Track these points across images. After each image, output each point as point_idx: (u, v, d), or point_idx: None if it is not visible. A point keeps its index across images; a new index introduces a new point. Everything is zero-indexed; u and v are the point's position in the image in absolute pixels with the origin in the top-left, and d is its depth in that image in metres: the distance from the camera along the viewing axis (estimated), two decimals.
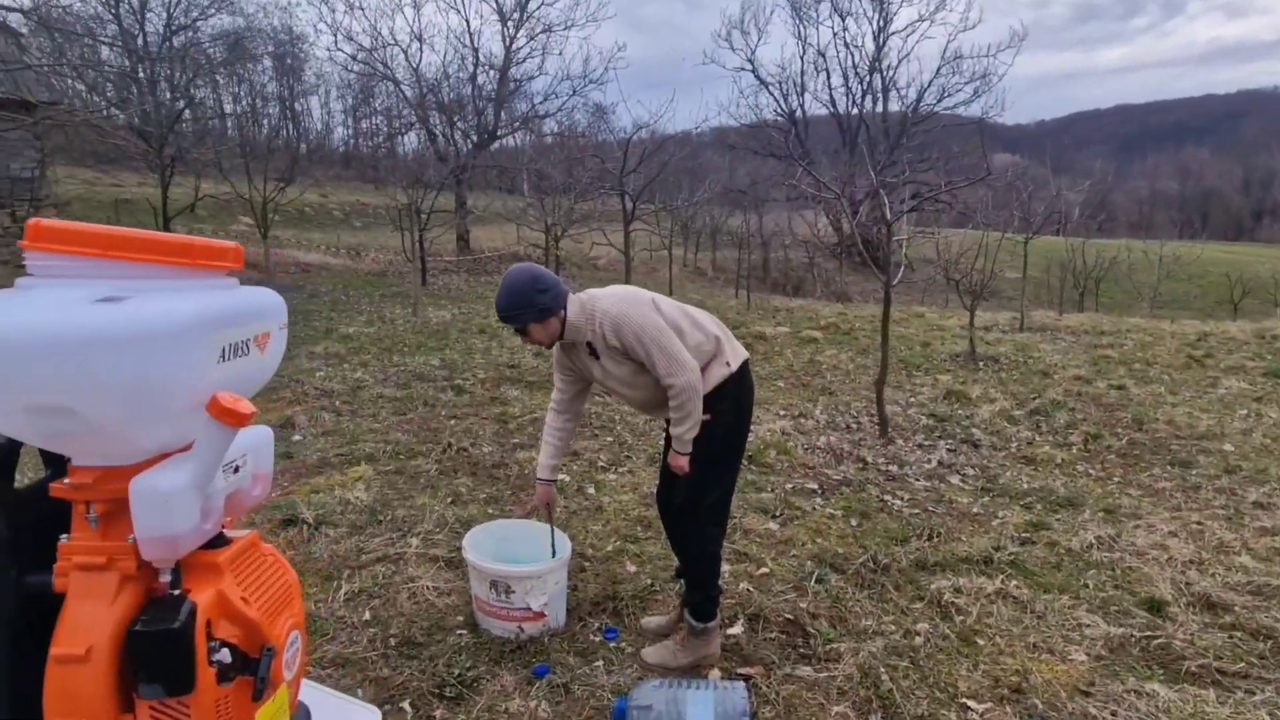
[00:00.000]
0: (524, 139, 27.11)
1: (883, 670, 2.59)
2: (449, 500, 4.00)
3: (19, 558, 1.02)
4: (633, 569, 3.29)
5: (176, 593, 1.05)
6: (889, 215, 4.92)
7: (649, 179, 10.89)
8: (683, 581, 2.76)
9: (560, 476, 4.36)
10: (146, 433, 1.03)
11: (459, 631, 2.77)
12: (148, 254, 1.02)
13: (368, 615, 2.86)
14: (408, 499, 4.01)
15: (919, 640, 2.80)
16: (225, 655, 1.05)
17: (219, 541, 1.14)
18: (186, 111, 15.81)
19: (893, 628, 2.89)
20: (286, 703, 1.16)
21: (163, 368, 0.94)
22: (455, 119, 22.53)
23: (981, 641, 2.82)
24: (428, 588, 3.05)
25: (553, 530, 2.89)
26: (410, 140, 35.15)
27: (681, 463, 2.48)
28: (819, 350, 9.16)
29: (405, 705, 2.37)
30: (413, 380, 6.64)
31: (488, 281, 16.65)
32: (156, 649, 1.00)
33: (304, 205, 25.15)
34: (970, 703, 2.46)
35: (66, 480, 1.04)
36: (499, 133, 23.69)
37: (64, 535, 1.04)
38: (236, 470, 1.15)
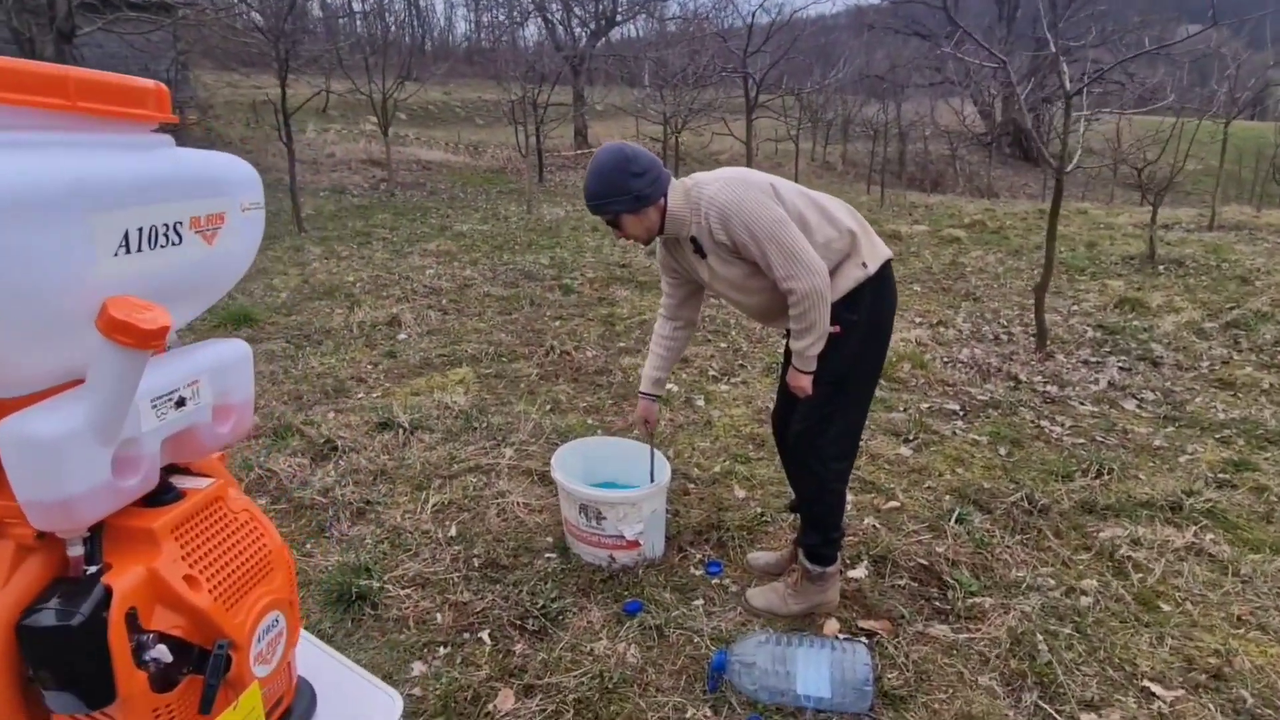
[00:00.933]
0: (645, 26, 25.77)
1: (1040, 637, 2.15)
2: (547, 408, 3.77)
3: None
4: (741, 494, 2.95)
5: (91, 570, 0.77)
6: (1068, 86, 4.05)
7: (774, 60, 9.91)
8: (798, 517, 2.38)
9: (668, 389, 4.03)
10: (16, 355, 0.72)
11: (547, 555, 2.55)
12: (18, 93, 0.68)
13: (454, 531, 2.68)
14: (505, 405, 3.81)
15: (1086, 601, 2.32)
16: (163, 653, 0.76)
17: (165, 497, 0.85)
18: (313, 8, 15.84)
19: (1051, 583, 2.41)
20: (259, 707, 0.88)
21: (17, 260, 0.62)
22: (573, 6, 21.59)
23: (1167, 608, 2.31)
24: (518, 504, 2.84)
25: (652, 451, 2.57)
26: (529, 32, 34.36)
27: (803, 383, 2.05)
28: (962, 251, 8.22)
29: (484, 636, 2.17)
30: (520, 279, 6.43)
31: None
32: (53, 649, 0.72)
33: (428, 103, 25.28)
34: (1154, 687, 1.99)
35: None
36: (617, 19, 22.57)
37: None
38: (181, 404, 0.84)
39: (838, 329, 1.98)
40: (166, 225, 0.78)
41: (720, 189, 1.95)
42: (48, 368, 0.75)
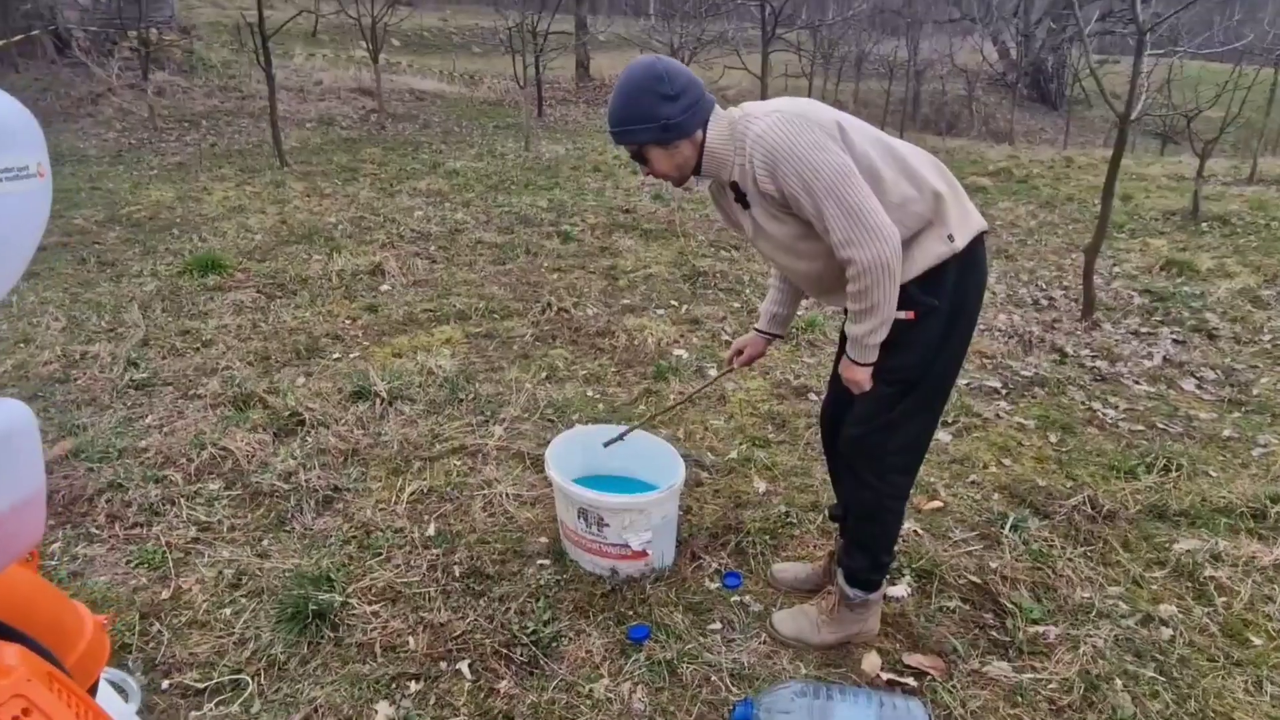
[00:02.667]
0: None
1: (1118, 680, 1.83)
2: (543, 375, 3.39)
3: None
4: (762, 487, 2.59)
5: None
6: (1141, 20, 3.53)
7: None
8: (838, 528, 2.03)
9: (677, 355, 3.64)
10: None
11: (540, 561, 2.20)
12: None
13: (432, 529, 2.33)
14: (496, 371, 3.43)
15: (1166, 633, 2.00)
16: None
17: None
18: None
19: (1124, 608, 2.08)
20: None
21: None
22: None
23: (1258, 641, 1.98)
24: (507, 495, 2.49)
25: (626, 431, 2.20)
26: None
27: (858, 376, 1.66)
28: (989, 202, 7.73)
29: (464, 668, 1.84)
30: (516, 224, 5.97)
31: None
32: None
33: (423, 29, 24.13)
34: None
35: None
36: None
37: None
38: None
39: (910, 314, 1.59)
40: None
41: (771, 125, 1.51)
42: None
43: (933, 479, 2.65)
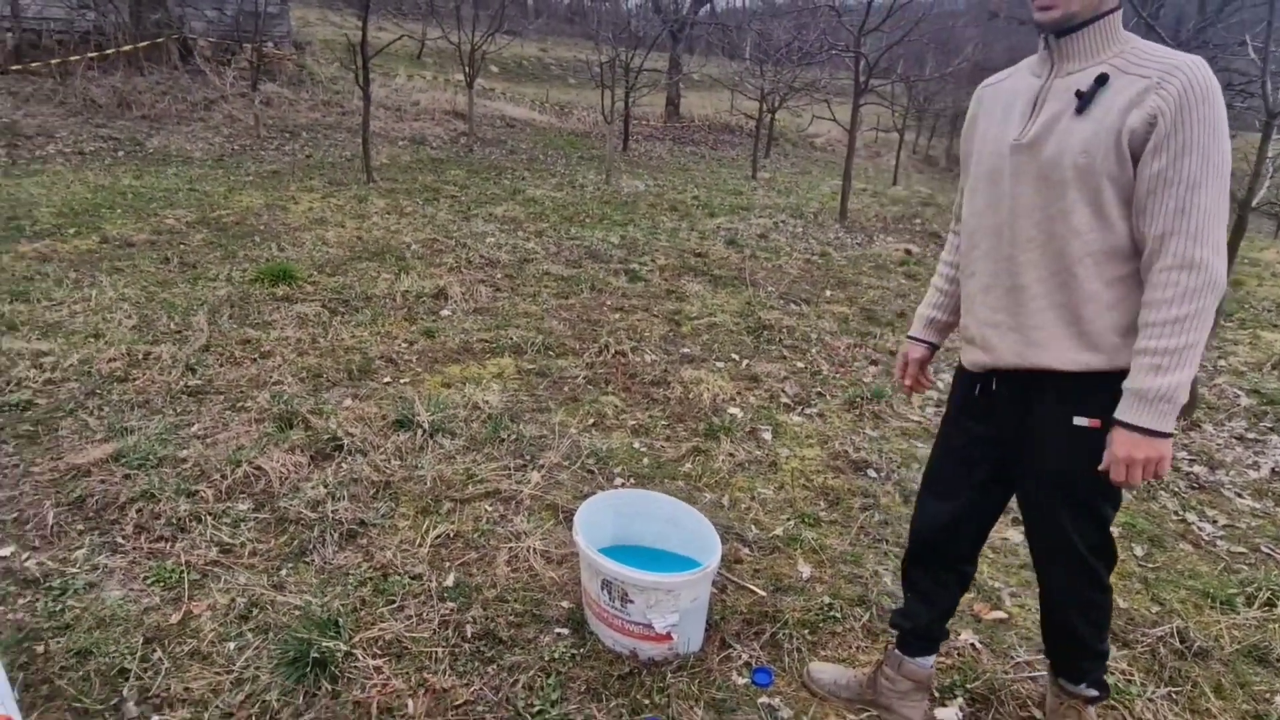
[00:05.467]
0: None
1: None
2: (590, 422, 3.27)
3: None
4: (806, 572, 2.39)
5: None
6: (1271, 102, 3.24)
7: (891, 43, 9.04)
8: (900, 639, 1.83)
9: (731, 414, 3.48)
10: None
11: (558, 630, 2.06)
12: None
13: (451, 580, 2.22)
14: (543, 411, 3.33)
15: None
16: None
17: None
18: None
19: None
20: None
21: None
22: None
23: None
24: (534, 550, 2.36)
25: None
26: None
27: (1160, 451, 1.30)
28: None
29: None
30: (585, 258, 5.93)
31: (692, 152, 15.50)
32: None
33: (522, 58, 24.92)
34: None
35: None
36: None
37: None
38: None
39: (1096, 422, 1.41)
40: None
41: (1208, 73, 1.29)
42: None
43: (997, 584, 2.41)
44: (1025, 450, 1.53)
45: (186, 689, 1.80)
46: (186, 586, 2.13)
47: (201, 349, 3.67)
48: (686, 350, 4.22)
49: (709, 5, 21.28)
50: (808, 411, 3.57)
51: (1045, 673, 2.06)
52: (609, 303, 4.92)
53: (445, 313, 4.49)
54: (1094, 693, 1.73)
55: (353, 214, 6.70)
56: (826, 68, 15.34)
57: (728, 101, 21.05)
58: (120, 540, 2.30)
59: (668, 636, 1.93)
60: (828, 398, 3.73)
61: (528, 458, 2.92)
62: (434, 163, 10.31)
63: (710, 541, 2.01)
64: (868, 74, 8.28)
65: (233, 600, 2.10)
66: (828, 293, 5.67)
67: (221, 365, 3.55)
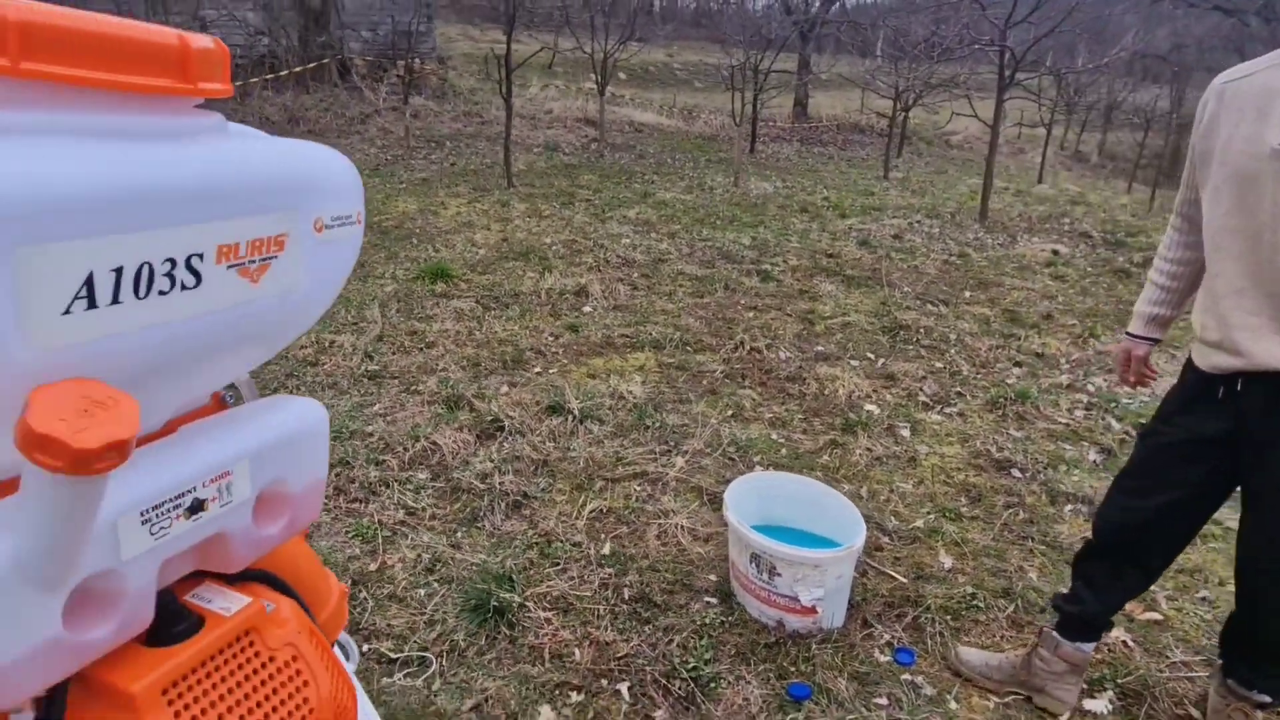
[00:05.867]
0: None
1: None
2: (729, 413, 3.41)
3: None
4: (948, 563, 2.43)
5: None
6: None
7: (1040, 34, 8.63)
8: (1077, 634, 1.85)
9: (867, 410, 3.52)
10: None
11: (707, 598, 2.21)
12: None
13: (608, 549, 2.42)
14: (683, 402, 3.50)
15: None
16: None
17: (173, 630, 0.59)
18: None
19: None
20: None
21: None
22: None
23: None
24: (681, 528, 2.53)
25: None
26: None
27: None
28: None
29: (623, 689, 1.89)
30: (718, 259, 6.07)
31: (821, 153, 15.31)
32: None
33: (649, 64, 25.35)
34: None
35: None
36: None
37: None
38: (196, 509, 0.57)
39: None
40: (171, 261, 0.50)
41: None
42: None
43: (1154, 587, 2.35)
44: (1268, 455, 1.50)
45: (388, 625, 2.08)
46: (381, 541, 2.44)
47: (376, 339, 4.08)
48: (821, 348, 4.27)
49: (840, 3, 20.89)
50: (947, 410, 3.56)
51: (1205, 674, 2.02)
52: (743, 302, 5.03)
53: (587, 309, 4.75)
54: (1267, 698, 1.70)
55: (497, 217, 7.15)
56: (967, 62, 14.75)
57: (858, 101, 20.60)
58: (324, 500, 2.65)
59: (813, 610, 2.04)
60: (968, 398, 3.69)
61: (671, 444, 3.09)
62: (567, 168, 10.75)
63: (854, 525, 2.11)
64: (1013, 67, 7.95)
65: (419, 555, 2.38)
66: (967, 294, 5.53)
67: (394, 353, 3.94)
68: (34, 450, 0.40)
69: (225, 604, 0.64)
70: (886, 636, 2.10)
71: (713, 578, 2.30)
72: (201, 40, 0.53)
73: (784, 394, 3.66)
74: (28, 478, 0.44)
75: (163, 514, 0.55)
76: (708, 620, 2.11)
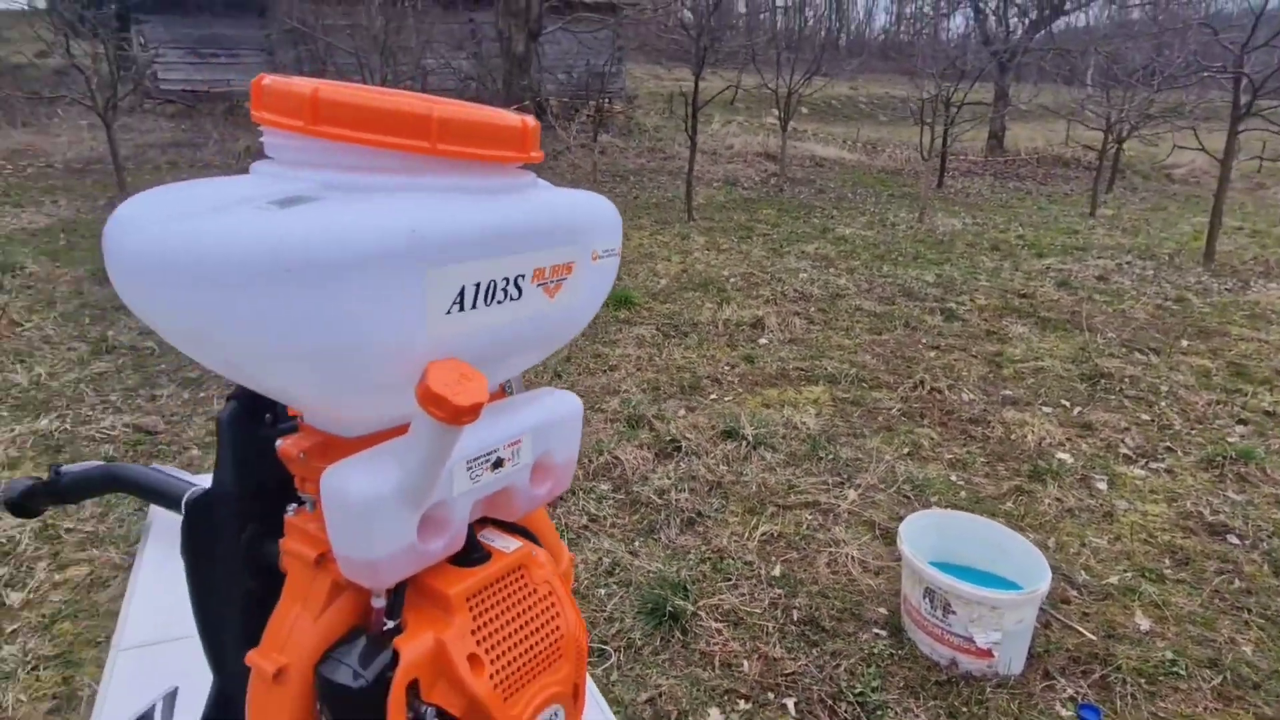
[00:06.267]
0: (1099, 15, 22.33)
1: None
2: (905, 451, 3.37)
3: (249, 518, 0.80)
4: (1145, 625, 2.28)
5: (389, 626, 0.72)
6: None
7: None
8: None
9: (1058, 459, 3.34)
10: (339, 403, 0.69)
11: (876, 630, 2.23)
12: (374, 134, 0.63)
13: (778, 570, 2.50)
14: (858, 437, 3.50)
15: None
16: None
17: (471, 557, 0.79)
18: (737, 4, 16.69)
19: None
20: None
21: (336, 316, 0.56)
22: None
23: None
24: (852, 558, 2.56)
25: None
26: (956, 23, 32.15)
27: None
28: None
29: (789, 704, 1.96)
30: (898, 296, 5.95)
31: (1017, 188, 14.44)
32: (337, 700, 0.68)
33: (832, 98, 25.18)
34: None
35: (286, 440, 0.77)
36: (1067, 6, 19.84)
37: (292, 506, 0.78)
38: (498, 465, 0.76)
39: None
40: (507, 279, 0.69)
41: None
42: (374, 416, 0.71)
43: None
44: None
45: None
46: (567, 543, 2.67)
47: (565, 359, 4.42)
48: (1008, 392, 4.09)
49: (1046, 29, 19.68)
50: (1152, 466, 3.29)
51: None
52: (924, 340, 4.92)
53: (763, 341, 4.85)
54: None
55: (677, 249, 7.45)
56: (1193, 90, 13.40)
57: (1061, 132, 19.24)
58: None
59: (989, 653, 2.01)
60: (1179, 454, 3.39)
61: (844, 476, 3.11)
62: (746, 202, 10.94)
63: (1038, 571, 2.05)
64: (1251, 95, 7.17)
65: (600, 559, 2.59)
66: (1184, 343, 5.05)
67: (580, 374, 4.26)
68: (428, 404, 0.60)
69: (504, 544, 0.83)
70: (1070, 690, 2.02)
71: (883, 610, 2.32)
72: (531, 120, 0.73)
73: (965, 436, 3.55)
74: (416, 425, 0.64)
75: (479, 465, 0.74)
76: (876, 650, 2.13)
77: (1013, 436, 3.51)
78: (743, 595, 2.37)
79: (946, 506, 2.92)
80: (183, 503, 0.90)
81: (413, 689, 0.72)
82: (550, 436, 0.83)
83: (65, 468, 1.40)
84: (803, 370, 4.35)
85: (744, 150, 16.14)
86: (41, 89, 13.97)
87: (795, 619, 2.27)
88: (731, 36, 19.22)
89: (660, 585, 2.36)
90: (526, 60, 15.96)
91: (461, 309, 0.65)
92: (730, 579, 2.44)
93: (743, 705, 1.96)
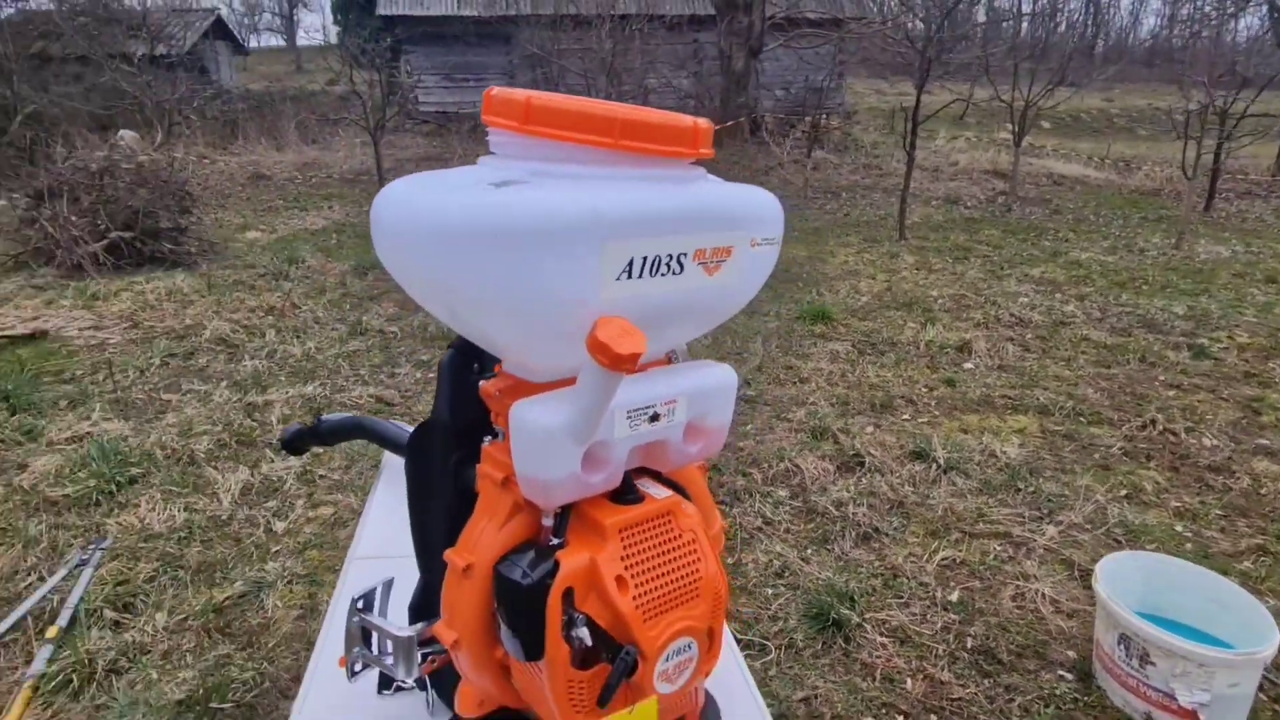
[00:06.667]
0: None
1: None
2: (1122, 493, 3.06)
3: (456, 446, 0.98)
4: None
5: (553, 542, 0.86)
6: None
7: None
8: None
9: None
10: (530, 352, 0.84)
11: (1061, 673, 2.08)
12: (570, 132, 0.78)
13: (955, 596, 2.39)
14: (1066, 473, 3.23)
15: None
16: (585, 635, 0.83)
17: (625, 497, 0.91)
18: (977, 14, 15.78)
19: None
20: (654, 718, 0.89)
21: (534, 277, 0.71)
22: None
23: None
24: (1043, 596, 2.38)
25: None
26: (1243, 24, 28.04)
27: None
28: None
29: None
30: (1136, 327, 5.35)
31: None
32: (508, 595, 0.84)
33: (1080, 111, 22.98)
34: None
35: (487, 382, 0.94)
36: None
37: (488, 438, 0.95)
38: (654, 419, 0.87)
39: None
40: (670, 255, 0.81)
41: None
42: (554, 365, 0.85)
43: None
44: None
45: (737, 610, 2.36)
46: (739, 541, 2.74)
47: (755, 368, 4.49)
48: (1264, 441, 3.55)
49: None
50: None
51: None
52: (1161, 378, 4.39)
53: (968, 365, 4.59)
54: None
55: (884, 267, 7.21)
56: None
57: None
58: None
59: (1193, 715, 1.80)
60: None
61: (1044, 511, 2.90)
62: (967, 222, 10.32)
63: (1264, 631, 1.81)
64: None
65: (770, 560, 2.63)
66: None
67: (769, 383, 4.30)
68: (595, 351, 0.72)
69: (657, 492, 0.94)
70: None
71: (1071, 654, 2.15)
72: (703, 122, 0.84)
73: (1201, 484, 3.15)
74: (584, 371, 0.77)
75: (638, 416, 0.86)
76: (1058, 692, 1.99)
77: (1263, 490, 3.06)
78: (913, 615, 2.30)
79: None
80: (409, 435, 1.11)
81: (568, 596, 0.85)
82: (704, 402, 0.93)
83: (325, 417, 1.74)
84: (1010, 399, 4.07)
85: (970, 167, 15.20)
86: (328, 112, 16.48)
87: (969, 646, 2.17)
88: (965, 47, 18.22)
89: (828, 593, 2.36)
90: (745, 77, 16.20)
91: (630, 277, 0.77)
92: (902, 597, 2.38)
93: None
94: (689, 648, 0.91)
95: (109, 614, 2.28)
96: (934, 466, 3.22)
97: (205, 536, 2.71)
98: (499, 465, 0.91)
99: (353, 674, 1.03)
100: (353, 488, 3.04)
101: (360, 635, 1.01)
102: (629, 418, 0.85)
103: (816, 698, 1.99)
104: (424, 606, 1.05)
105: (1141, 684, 1.86)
